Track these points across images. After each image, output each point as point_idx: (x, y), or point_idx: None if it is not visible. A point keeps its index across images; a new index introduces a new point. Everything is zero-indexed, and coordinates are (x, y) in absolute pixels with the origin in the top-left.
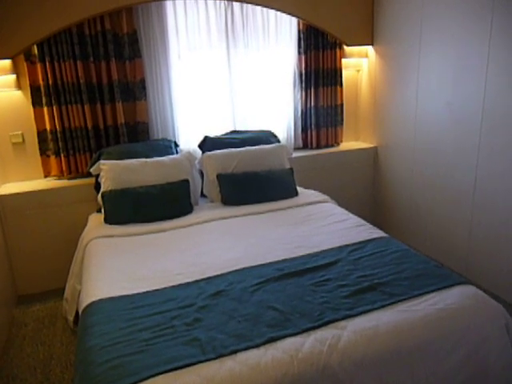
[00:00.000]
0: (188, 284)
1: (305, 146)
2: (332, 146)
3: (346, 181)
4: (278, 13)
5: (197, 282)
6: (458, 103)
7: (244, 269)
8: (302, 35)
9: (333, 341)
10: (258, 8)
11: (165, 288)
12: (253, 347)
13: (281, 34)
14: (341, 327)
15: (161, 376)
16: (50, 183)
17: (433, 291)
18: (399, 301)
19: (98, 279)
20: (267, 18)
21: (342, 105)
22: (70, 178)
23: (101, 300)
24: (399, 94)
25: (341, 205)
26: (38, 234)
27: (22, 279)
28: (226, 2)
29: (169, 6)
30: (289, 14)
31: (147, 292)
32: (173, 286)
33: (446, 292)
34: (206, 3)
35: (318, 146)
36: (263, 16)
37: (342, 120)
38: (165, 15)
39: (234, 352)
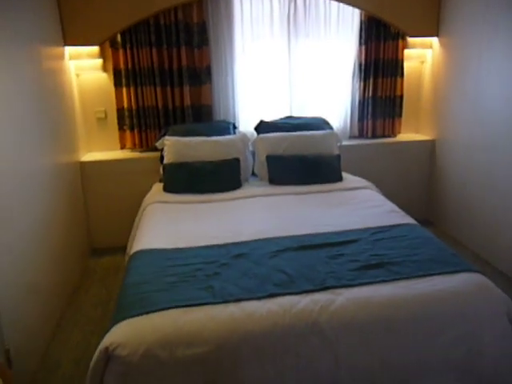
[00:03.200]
0: (218, 246)
1: (360, 135)
2: (388, 136)
3: (399, 172)
4: (341, 4)
5: (226, 245)
6: None
7: (270, 238)
8: (363, 26)
9: (326, 303)
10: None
11: (198, 247)
12: (254, 299)
13: (342, 25)
14: (337, 293)
15: (174, 309)
16: (125, 154)
17: (438, 274)
18: (401, 278)
19: (146, 235)
20: (329, 9)
21: (401, 96)
22: (141, 151)
23: (144, 250)
24: (460, 86)
25: (392, 195)
26: (111, 196)
27: (97, 235)
28: None
29: None
30: (351, 5)
31: (183, 248)
32: (205, 246)
33: (451, 276)
34: None
35: (374, 136)
36: (325, 7)
37: (401, 111)
38: (232, 7)
39: (238, 300)
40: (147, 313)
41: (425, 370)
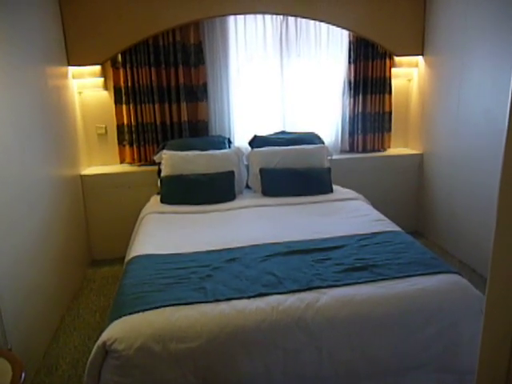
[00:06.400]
0: (212, 251)
1: (351, 150)
2: (378, 150)
3: (390, 185)
4: (330, 25)
5: (219, 250)
6: (496, 111)
7: (261, 244)
8: (352, 46)
9: (311, 301)
10: (311, 21)
11: (193, 252)
12: (244, 298)
13: (332, 45)
14: (322, 292)
15: (168, 307)
16: (124, 168)
17: (418, 275)
18: (383, 279)
19: (143, 242)
20: (319, 31)
21: (390, 112)
22: (140, 165)
23: (141, 255)
24: (443, 102)
25: (382, 208)
26: (111, 208)
27: (96, 246)
28: (281, 17)
29: (231, 20)
30: (340, 27)
31: (178, 254)
32: (200, 252)
33: (430, 277)
34: (263, 18)
35: (364, 150)
36: (315, 29)
37: (390, 126)
38: (227, 28)
39: (229, 299)
40: (142, 311)
41: (405, 364)
